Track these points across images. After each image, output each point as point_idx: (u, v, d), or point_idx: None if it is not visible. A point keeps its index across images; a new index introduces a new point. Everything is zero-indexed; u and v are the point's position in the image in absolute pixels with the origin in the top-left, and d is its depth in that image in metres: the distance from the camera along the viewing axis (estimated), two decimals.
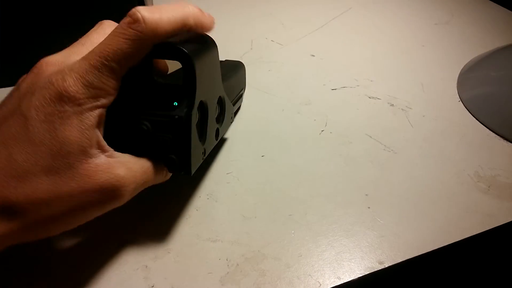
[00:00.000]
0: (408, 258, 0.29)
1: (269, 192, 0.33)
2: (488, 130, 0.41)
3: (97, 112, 0.23)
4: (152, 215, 0.31)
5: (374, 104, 0.43)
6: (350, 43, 0.55)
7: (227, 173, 0.35)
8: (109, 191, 0.24)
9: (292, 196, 0.33)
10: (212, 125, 0.30)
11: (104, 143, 0.24)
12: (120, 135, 0.26)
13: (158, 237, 0.30)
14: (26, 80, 0.24)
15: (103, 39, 0.24)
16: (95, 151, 0.23)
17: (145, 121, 0.26)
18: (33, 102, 0.22)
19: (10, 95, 0.24)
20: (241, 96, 0.42)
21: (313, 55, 0.51)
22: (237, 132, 0.39)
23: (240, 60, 0.43)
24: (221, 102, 0.33)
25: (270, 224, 0.31)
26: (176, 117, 0.26)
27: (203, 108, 0.28)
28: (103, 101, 0.24)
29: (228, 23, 0.58)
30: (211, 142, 0.31)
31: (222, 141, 0.38)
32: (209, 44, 0.29)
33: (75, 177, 0.22)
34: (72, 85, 0.22)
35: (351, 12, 0.62)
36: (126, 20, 0.24)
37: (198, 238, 0.30)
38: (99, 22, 0.27)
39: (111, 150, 0.25)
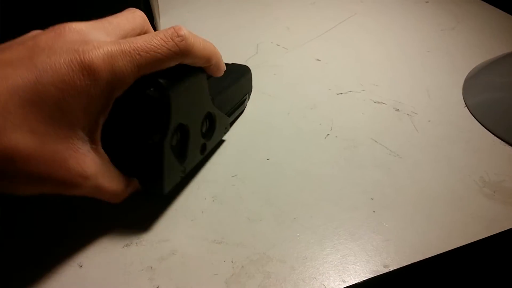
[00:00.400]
0: (414, 262, 0.29)
1: (274, 195, 0.33)
2: (493, 136, 0.41)
3: (107, 98, 0.24)
4: (158, 217, 0.31)
5: (379, 109, 0.43)
6: (356, 48, 0.55)
7: (233, 176, 0.35)
8: (67, 181, 0.23)
9: (297, 199, 0.33)
10: (195, 142, 0.32)
11: (98, 133, 0.25)
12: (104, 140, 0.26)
13: (163, 239, 0.30)
14: (44, 36, 0.23)
15: (132, 27, 0.25)
16: (84, 136, 0.24)
17: (130, 145, 0.28)
18: (51, 61, 0.22)
19: (18, 43, 0.23)
20: (244, 101, 0.42)
21: (319, 60, 0.51)
22: (242, 135, 0.39)
23: (246, 64, 0.43)
24: (210, 117, 0.33)
25: (275, 227, 0.31)
26: (150, 142, 0.27)
27: (184, 129, 0.30)
28: (116, 92, 0.24)
29: (234, 27, 0.58)
30: (194, 158, 0.32)
31: (227, 144, 0.38)
32: (192, 70, 0.29)
33: (54, 149, 0.22)
34: (98, 61, 0.22)
35: (356, 18, 0.63)
36: (169, 31, 0.25)
37: (203, 240, 0.30)
38: (129, 9, 0.28)
39: (99, 145, 0.25)
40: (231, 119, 0.39)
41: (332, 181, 0.35)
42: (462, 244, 0.30)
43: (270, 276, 0.28)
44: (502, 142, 0.40)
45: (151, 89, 0.26)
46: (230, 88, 0.38)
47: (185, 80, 0.28)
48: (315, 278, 0.28)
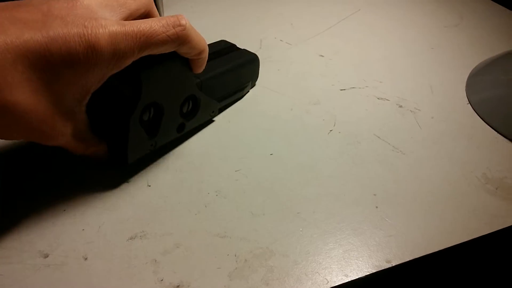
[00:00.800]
0: (416, 257, 0.29)
1: (278, 190, 0.34)
2: (496, 133, 0.41)
3: (104, 74, 0.26)
4: (162, 210, 0.31)
5: (383, 105, 0.43)
6: (359, 44, 0.55)
7: (236, 171, 0.35)
8: (49, 136, 0.26)
9: (300, 194, 0.33)
10: (172, 120, 0.35)
11: (86, 101, 0.28)
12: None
13: (167, 232, 0.30)
14: (59, 5, 0.24)
15: (137, 7, 0.27)
16: (74, 101, 0.26)
17: (102, 110, 0.31)
18: (63, 31, 0.23)
19: (33, 4, 0.24)
20: (243, 89, 0.43)
21: (322, 56, 0.51)
22: (245, 130, 0.39)
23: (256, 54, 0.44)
24: (194, 99, 0.36)
25: (278, 222, 0.31)
26: (120, 115, 0.30)
27: (158, 108, 0.32)
28: (114, 70, 0.26)
29: (238, 22, 0.58)
30: (168, 135, 0.35)
31: (231, 138, 0.38)
32: (173, 57, 0.31)
33: (47, 109, 0.25)
34: (103, 40, 0.24)
35: (360, 14, 0.63)
36: (172, 19, 0.27)
37: (207, 233, 0.30)
38: None
39: (83, 110, 0.28)
40: (222, 104, 0.41)
41: (335, 177, 0.35)
42: (464, 240, 0.30)
43: (273, 270, 0.28)
44: (505, 139, 0.40)
45: (129, 70, 0.28)
46: (226, 74, 0.39)
47: (161, 65, 0.30)
48: (317, 272, 0.28)
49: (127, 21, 0.26)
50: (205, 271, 0.28)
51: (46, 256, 0.28)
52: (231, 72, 0.40)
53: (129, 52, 0.25)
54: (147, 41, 0.26)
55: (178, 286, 0.27)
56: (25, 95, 0.23)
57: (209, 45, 0.34)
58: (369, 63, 0.51)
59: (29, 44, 0.22)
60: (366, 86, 0.46)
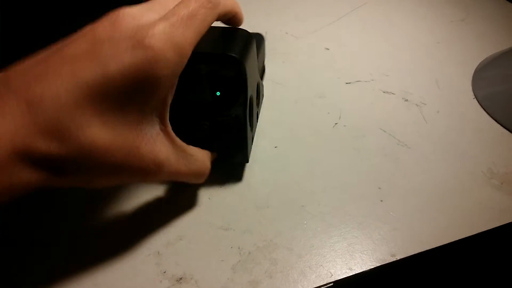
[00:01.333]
0: (421, 251, 0.29)
1: (282, 183, 0.33)
2: (502, 128, 0.40)
3: (174, 75, 0.23)
4: (165, 203, 0.31)
5: (388, 99, 0.43)
6: (365, 37, 0.54)
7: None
8: (142, 170, 0.23)
9: (305, 187, 0.33)
10: (255, 111, 0.34)
11: (167, 113, 0.24)
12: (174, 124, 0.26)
13: (170, 224, 0.30)
14: (101, 27, 0.22)
15: (174, 3, 0.24)
16: (154, 118, 0.24)
17: (205, 121, 0.29)
18: (113, 51, 0.21)
19: (78, 38, 0.22)
20: (264, 68, 0.44)
21: (328, 48, 0.51)
22: None
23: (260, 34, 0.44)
24: (257, 87, 0.35)
25: (282, 214, 0.31)
26: (234, 116, 0.29)
27: (250, 101, 0.31)
28: (180, 66, 0.24)
29: (243, 15, 0.58)
30: (255, 126, 0.35)
31: None
32: (248, 40, 0.30)
33: (126, 138, 0.22)
34: (158, 42, 0.22)
35: (366, 7, 0.62)
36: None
37: (210, 226, 0.30)
38: None
39: (168, 126, 0.25)
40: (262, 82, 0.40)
41: (340, 170, 0.35)
42: (469, 235, 0.30)
43: (277, 263, 0.28)
44: (511, 134, 0.40)
45: (226, 64, 0.27)
46: (258, 55, 0.38)
47: (247, 50, 0.29)
48: (322, 265, 0.28)
49: (166, 14, 0.23)
50: (208, 263, 0.27)
51: None
52: (259, 53, 0.39)
53: (188, 41, 0.23)
54: (195, 22, 0.24)
55: (181, 278, 0.27)
56: (98, 130, 0.21)
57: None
58: (375, 57, 0.50)
59: (86, 78, 0.21)
60: (372, 80, 0.46)
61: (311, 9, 0.61)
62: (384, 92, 0.44)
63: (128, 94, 0.22)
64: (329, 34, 0.54)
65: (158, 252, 0.28)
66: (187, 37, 0.23)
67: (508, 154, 0.37)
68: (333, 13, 0.60)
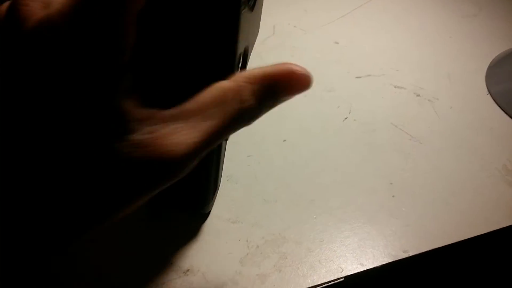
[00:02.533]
0: (433, 248, 0.28)
1: (290, 177, 0.33)
2: None
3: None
4: None
5: (399, 94, 0.42)
6: (375, 31, 0.53)
7: (248, 156, 0.34)
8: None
9: (314, 182, 0.32)
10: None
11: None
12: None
13: (178, 216, 0.29)
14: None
15: None
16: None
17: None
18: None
19: None
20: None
21: (337, 42, 0.50)
22: None
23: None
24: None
25: (291, 208, 0.30)
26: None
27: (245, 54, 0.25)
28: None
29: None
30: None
31: None
32: None
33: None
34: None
35: (377, 1, 0.61)
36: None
37: (218, 219, 0.29)
38: None
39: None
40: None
41: (350, 164, 0.34)
42: (483, 232, 0.29)
43: (286, 257, 0.27)
44: None
45: None
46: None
47: None
48: (332, 260, 0.27)
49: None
50: (216, 256, 0.27)
51: None
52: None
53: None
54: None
55: (188, 270, 0.26)
56: None
57: None
58: (385, 51, 0.49)
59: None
60: (383, 74, 0.45)
61: (321, 2, 0.60)
62: (395, 86, 0.43)
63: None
64: (339, 28, 0.54)
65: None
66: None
67: None
68: (342, 7, 0.59)
